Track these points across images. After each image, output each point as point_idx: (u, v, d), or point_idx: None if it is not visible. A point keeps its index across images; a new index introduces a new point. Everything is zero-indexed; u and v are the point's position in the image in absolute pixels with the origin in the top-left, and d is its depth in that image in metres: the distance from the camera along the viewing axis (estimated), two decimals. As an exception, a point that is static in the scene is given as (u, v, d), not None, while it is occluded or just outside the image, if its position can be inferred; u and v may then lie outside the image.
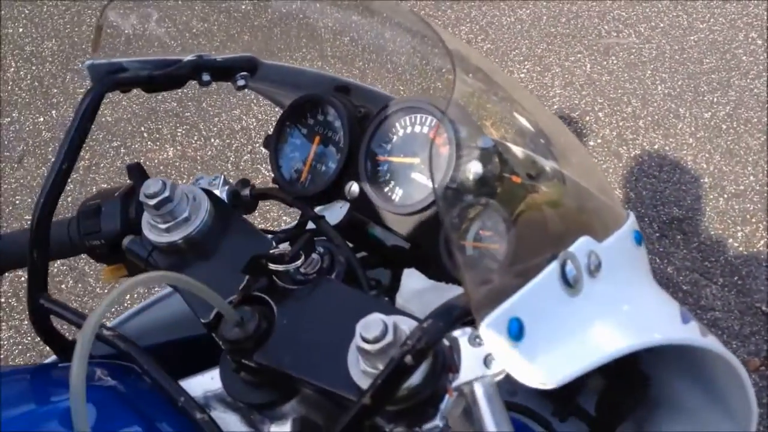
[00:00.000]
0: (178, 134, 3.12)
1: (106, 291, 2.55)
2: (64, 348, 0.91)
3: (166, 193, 0.80)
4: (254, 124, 3.12)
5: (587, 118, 3.13)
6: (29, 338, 2.46)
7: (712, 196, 2.81)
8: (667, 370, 0.81)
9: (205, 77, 0.92)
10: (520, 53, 3.46)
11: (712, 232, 2.70)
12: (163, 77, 0.89)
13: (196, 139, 3.09)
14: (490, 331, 0.54)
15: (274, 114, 3.10)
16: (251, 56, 0.96)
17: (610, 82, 3.29)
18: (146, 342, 0.85)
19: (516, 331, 0.55)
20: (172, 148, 3.06)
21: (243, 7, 1.07)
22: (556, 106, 3.17)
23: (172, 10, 1.03)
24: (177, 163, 3.00)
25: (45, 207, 0.82)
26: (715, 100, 3.17)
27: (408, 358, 0.57)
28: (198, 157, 3.02)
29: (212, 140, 3.08)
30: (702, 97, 3.19)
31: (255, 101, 3.19)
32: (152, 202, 0.80)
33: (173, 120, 3.17)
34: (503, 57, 3.43)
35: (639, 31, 3.55)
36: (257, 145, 3.00)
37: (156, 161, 3.00)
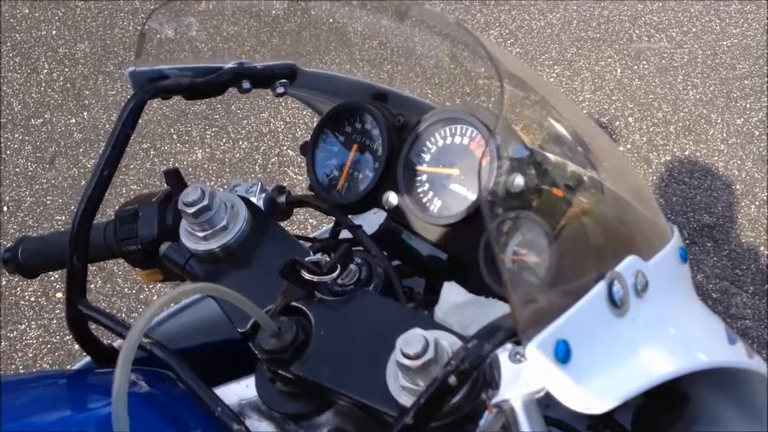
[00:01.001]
0: (207, 136, 3.13)
1: (134, 291, 2.57)
2: (100, 353, 0.91)
3: (205, 202, 0.80)
4: (282, 127, 3.13)
5: (617, 123, 3.10)
6: (58, 337, 2.48)
7: (743, 203, 2.77)
8: (707, 387, 0.80)
9: (246, 85, 0.92)
10: (549, 57, 3.44)
11: (743, 240, 2.66)
12: (204, 84, 0.90)
13: (224, 141, 3.11)
14: (537, 353, 0.53)
15: (301, 117, 3.11)
16: (291, 63, 0.95)
17: (640, 87, 3.25)
18: (174, 346, 0.85)
19: (563, 354, 0.54)
20: (200, 150, 3.08)
21: (277, 12, 1.06)
22: (585, 111, 3.14)
23: (211, 16, 1.03)
24: (205, 165, 3.02)
25: (85, 213, 0.83)
26: (748, 106, 3.13)
27: (452, 379, 0.56)
28: (226, 160, 3.03)
29: (240, 143, 3.09)
30: (734, 102, 3.15)
31: (283, 104, 3.20)
32: (191, 210, 0.80)
33: (202, 122, 3.19)
34: (533, 61, 3.41)
35: (671, 36, 3.51)
36: (284, 147, 3.01)
37: (185, 163, 3.02)
